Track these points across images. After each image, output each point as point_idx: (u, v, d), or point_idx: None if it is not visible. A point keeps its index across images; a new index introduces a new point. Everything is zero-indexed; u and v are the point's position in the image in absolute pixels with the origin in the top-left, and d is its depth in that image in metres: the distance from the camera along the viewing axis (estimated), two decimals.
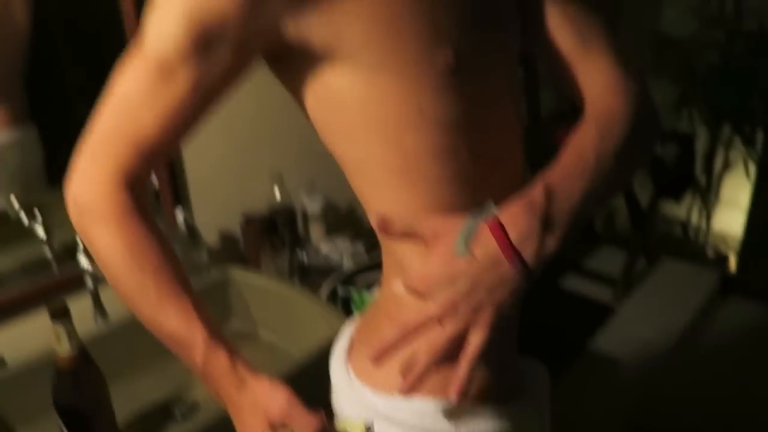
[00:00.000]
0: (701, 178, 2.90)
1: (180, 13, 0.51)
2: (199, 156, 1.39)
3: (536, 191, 0.57)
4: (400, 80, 0.55)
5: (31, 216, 1.27)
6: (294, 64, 0.58)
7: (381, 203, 0.62)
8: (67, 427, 0.86)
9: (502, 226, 0.56)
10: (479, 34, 0.58)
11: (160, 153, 0.59)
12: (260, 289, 1.25)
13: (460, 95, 0.58)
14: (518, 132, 0.68)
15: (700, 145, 2.76)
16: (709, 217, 2.97)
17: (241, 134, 1.45)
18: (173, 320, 0.59)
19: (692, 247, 3.02)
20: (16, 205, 1.26)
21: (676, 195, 2.27)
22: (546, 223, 0.56)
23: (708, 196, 2.93)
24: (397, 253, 0.63)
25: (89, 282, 1.19)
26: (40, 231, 1.27)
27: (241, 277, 1.28)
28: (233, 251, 1.45)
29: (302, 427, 0.57)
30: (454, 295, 0.55)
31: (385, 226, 0.60)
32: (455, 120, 0.58)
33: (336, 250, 1.46)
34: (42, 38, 1.25)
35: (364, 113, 0.57)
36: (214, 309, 1.24)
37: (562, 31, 0.65)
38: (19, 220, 1.26)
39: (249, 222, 1.39)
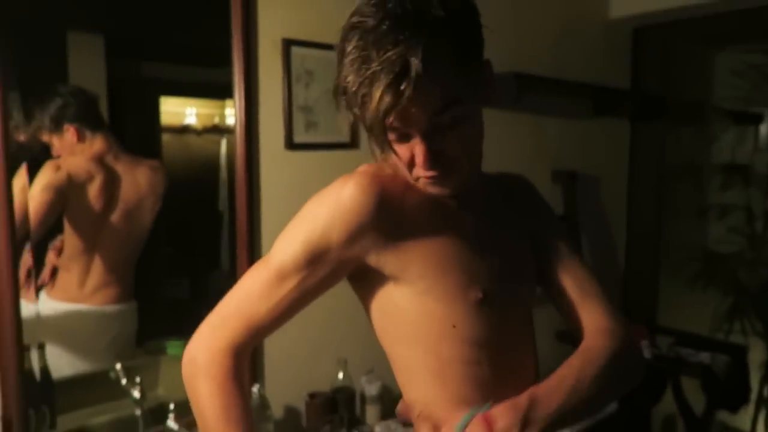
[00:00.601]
0: (765, 390, 2.83)
1: (302, 239, 0.77)
2: (276, 339, 1.61)
3: (523, 398, 0.74)
4: (442, 305, 0.77)
5: (131, 381, 1.47)
6: (368, 281, 0.81)
7: (416, 393, 0.82)
8: None
9: (489, 418, 0.72)
10: (502, 280, 0.81)
11: (265, 334, 0.80)
12: None
13: (485, 321, 0.79)
14: (532, 350, 0.88)
15: (757, 355, 2.75)
16: None
17: (314, 323, 1.68)
18: None
19: None
20: (119, 367, 1.47)
21: (732, 407, 2.25)
22: (525, 421, 0.72)
23: None
24: None
25: None
26: (136, 393, 1.46)
27: None
28: (296, 425, 1.59)
29: None
30: None
31: (407, 410, 0.78)
32: (480, 338, 0.79)
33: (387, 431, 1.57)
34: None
35: (414, 324, 0.79)
36: None
37: (566, 283, 0.88)
38: (114, 382, 1.46)
39: (313, 399, 1.54)
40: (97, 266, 1.47)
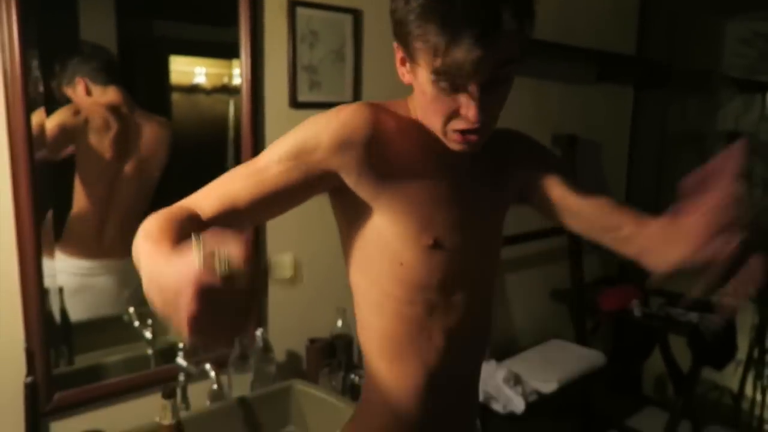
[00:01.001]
0: (755, 351, 2.92)
1: (294, 137, 0.79)
2: (280, 288, 1.71)
3: None
4: (395, 242, 0.83)
5: (143, 323, 1.57)
6: (345, 204, 0.85)
7: (359, 321, 0.91)
8: None
9: None
10: (461, 231, 0.86)
11: (237, 214, 0.76)
12: (316, 400, 1.47)
13: (431, 266, 0.84)
14: (483, 300, 0.94)
15: (748, 318, 2.83)
16: (764, 390, 2.92)
17: (316, 274, 1.77)
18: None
19: (747, 419, 2.94)
20: (132, 311, 1.58)
21: (717, 364, 2.34)
22: None
23: (762, 369, 2.91)
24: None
25: (181, 378, 1.46)
26: (148, 334, 1.57)
27: (301, 389, 1.51)
28: (297, 368, 1.70)
29: (232, 247, 0.51)
30: None
31: None
32: (422, 281, 0.84)
33: None
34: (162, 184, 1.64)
35: (368, 254, 0.85)
36: (275, 413, 1.48)
37: (593, 201, 0.93)
38: (128, 324, 1.56)
39: (313, 344, 1.65)
40: (112, 220, 1.55)
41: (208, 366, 1.43)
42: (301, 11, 1.62)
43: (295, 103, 1.67)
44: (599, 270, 2.86)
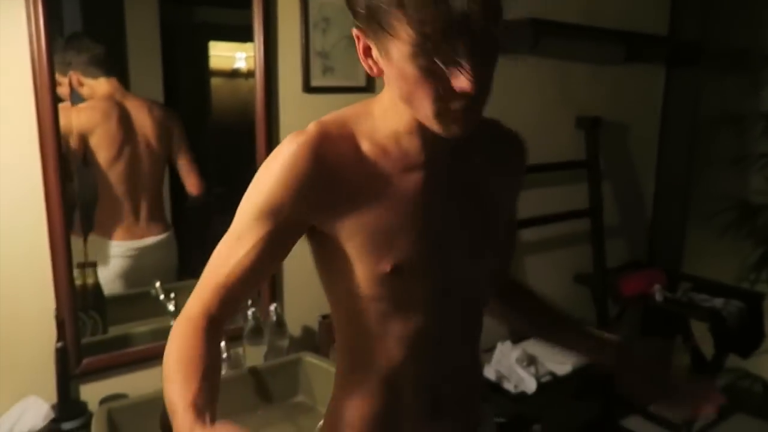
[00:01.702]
0: None
1: (253, 201, 0.79)
2: (294, 265, 1.78)
3: None
4: (358, 267, 0.81)
5: (167, 297, 1.68)
6: (316, 238, 0.84)
7: (337, 340, 0.92)
8: None
9: None
10: (431, 253, 0.82)
11: (237, 297, 0.81)
12: (324, 372, 1.54)
13: (391, 292, 0.82)
14: (463, 323, 0.91)
15: None
16: None
17: None
18: (175, 394, 0.71)
19: None
20: (158, 286, 1.68)
21: (743, 352, 2.30)
22: None
23: None
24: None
25: None
26: (171, 306, 1.67)
27: (310, 361, 1.59)
28: (310, 342, 1.78)
29: None
30: None
31: None
32: (387, 297, 0.82)
33: None
34: (200, 167, 1.73)
35: (340, 273, 0.83)
36: (285, 384, 1.56)
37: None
38: (157, 300, 1.67)
39: (325, 319, 1.72)
40: (133, 201, 1.65)
41: None
42: None
43: (309, 88, 1.72)
44: (627, 254, 2.83)
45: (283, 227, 0.79)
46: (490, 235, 0.90)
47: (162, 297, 1.68)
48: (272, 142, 1.69)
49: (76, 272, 1.49)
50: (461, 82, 0.68)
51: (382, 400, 0.88)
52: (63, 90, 1.45)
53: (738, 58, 3.06)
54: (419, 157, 0.81)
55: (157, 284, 1.69)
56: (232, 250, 0.80)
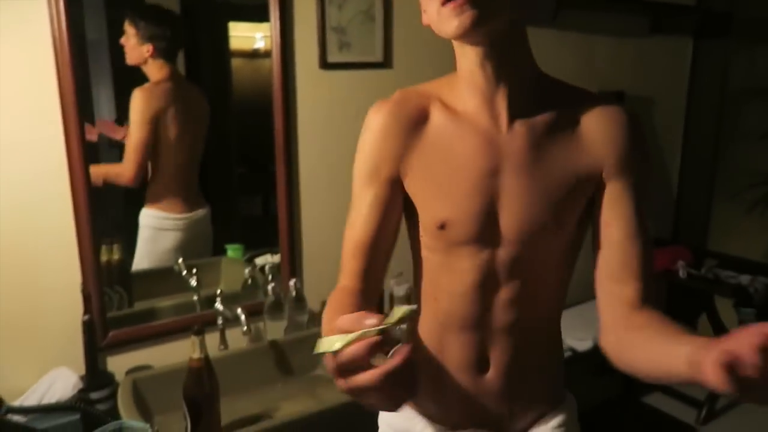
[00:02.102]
0: None
1: (356, 174, 0.92)
2: (313, 239, 1.80)
3: None
4: (423, 218, 0.90)
5: (190, 272, 1.72)
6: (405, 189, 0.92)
7: (414, 274, 0.98)
8: (189, 412, 1.21)
9: None
10: (480, 219, 0.86)
11: (369, 256, 0.89)
12: None
13: (442, 241, 0.89)
14: (505, 294, 0.90)
15: None
16: None
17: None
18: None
19: None
20: (181, 262, 1.72)
21: None
22: None
23: None
24: None
25: (219, 321, 1.59)
26: (193, 282, 1.71)
27: None
28: None
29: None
30: None
31: None
32: (439, 250, 0.90)
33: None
34: (218, 146, 1.76)
35: (412, 224, 0.93)
36: (305, 358, 1.59)
37: (611, 240, 0.87)
38: (181, 276, 1.71)
39: None
40: (179, 176, 1.72)
41: (239, 311, 1.55)
42: None
43: (326, 64, 1.72)
44: (651, 231, 2.78)
45: (385, 186, 0.89)
46: (549, 212, 0.86)
47: (185, 273, 1.72)
48: (290, 119, 1.70)
49: (102, 248, 1.53)
50: None
51: (437, 346, 0.94)
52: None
53: None
54: (483, 123, 0.85)
55: (180, 260, 1.72)
56: (352, 218, 0.91)
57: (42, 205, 1.42)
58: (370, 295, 0.89)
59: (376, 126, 0.88)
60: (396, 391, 0.59)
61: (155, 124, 1.63)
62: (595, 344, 2.04)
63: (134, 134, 1.60)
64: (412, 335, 0.97)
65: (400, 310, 0.59)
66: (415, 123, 0.87)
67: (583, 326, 2.12)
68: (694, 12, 2.62)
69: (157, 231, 1.71)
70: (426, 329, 0.96)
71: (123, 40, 1.55)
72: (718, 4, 2.62)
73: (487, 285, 0.89)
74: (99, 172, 1.54)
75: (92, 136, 1.50)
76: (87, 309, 1.46)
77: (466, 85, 0.86)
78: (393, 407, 0.62)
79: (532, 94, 0.85)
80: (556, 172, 0.85)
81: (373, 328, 0.57)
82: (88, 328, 1.45)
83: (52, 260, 1.44)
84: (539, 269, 0.90)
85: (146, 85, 1.59)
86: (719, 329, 2.35)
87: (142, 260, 1.66)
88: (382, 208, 0.89)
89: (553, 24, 2.09)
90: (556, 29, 2.17)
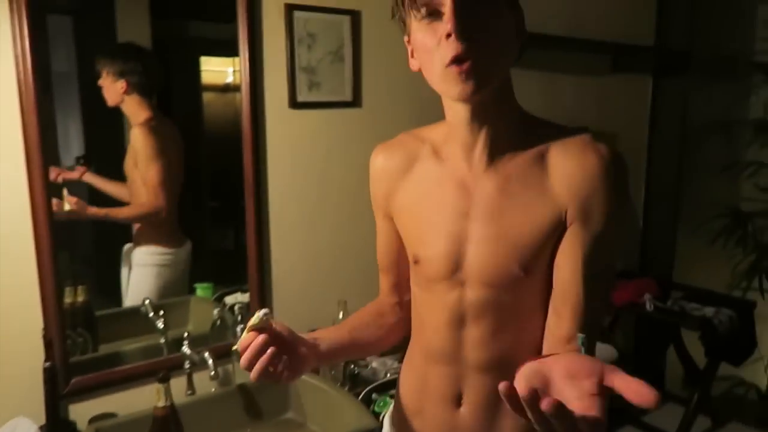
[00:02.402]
0: None
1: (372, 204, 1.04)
2: (284, 281, 1.79)
3: None
4: (408, 252, 0.99)
5: (156, 314, 1.68)
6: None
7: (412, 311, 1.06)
8: None
9: None
10: (440, 253, 0.92)
11: (393, 272, 1.06)
12: (315, 388, 1.54)
13: (419, 276, 0.97)
14: (483, 327, 0.93)
15: None
16: None
17: (318, 269, 1.85)
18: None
19: None
20: (148, 303, 1.68)
21: (734, 360, 2.30)
22: None
23: None
24: None
25: (187, 365, 1.55)
26: (160, 324, 1.67)
27: (301, 377, 1.58)
28: None
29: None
30: None
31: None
32: (418, 284, 0.99)
33: (384, 366, 1.73)
34: (191, 180, 1.75)
35: (403, 256, 1.03)
36: (275, 401, 1.56)
37: (558, 275, 0.87)
38: (148, 317, 1.67)
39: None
40: (168, 211, 1.71)
41: (206, 354, 1.52)
42: (298, 14, 1.69)
43: (295, 104, 1.74)
44: (618, 264, 2.83)
45: (386, 219, 1.02)
46: (514, 259, 0.87)
47: (152, 314, 1.68)
48: (259, 158, 1.70)
49: (66, 290, 1.49)
50: (447, 24, 0.76)
51: (422, 376, 1.00)
52: None
53: (726, 66, 3.10)
54: (460, 169, 0.90)
55: (147, 301, 1.69)
56: (376, 242, 1.07)
57: (2, 248, 1.38)
58: (404, 305, 1.07)
59: (373, 168, 1.00)
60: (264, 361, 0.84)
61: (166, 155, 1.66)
62: None
63: (153, 167, 1.64)
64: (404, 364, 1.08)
65: (255, 317, 0.86)
66: (405, 166, 0.96)
67: None
68: (653, 51, 2.72)
69: (152, 267, 1.71)
70: (413, 360, 1.03)
71: (100, 82, 1.56)
72: (675, 43, 2.73)
73: (457, 322, 0.93)
74: (123, 213, 1.64)
75: (55, 176, 1.48)
76: (48, 355, 1.41)
77: (451, 133, 0.90)
78: (270, 376, 0.86)
79: (510, 138, 0.88)
80: (524, 218, 0.86)
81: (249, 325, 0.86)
82: (50, 376, 1.40)
83: (12, 304, 1.40)
84: (510, 311, 0.90)
85: (140, 122, 1.62)
86: (687, 361, 2.39)
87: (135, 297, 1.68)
88: (392, 235, 1.02)
89: (518, 63, 2.15)
90: (522, 68, 2.22)
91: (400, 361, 1.77)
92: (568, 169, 0.85)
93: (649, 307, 2.26)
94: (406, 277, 1.04)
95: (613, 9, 2.56)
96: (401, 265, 1.04)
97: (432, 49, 0.79)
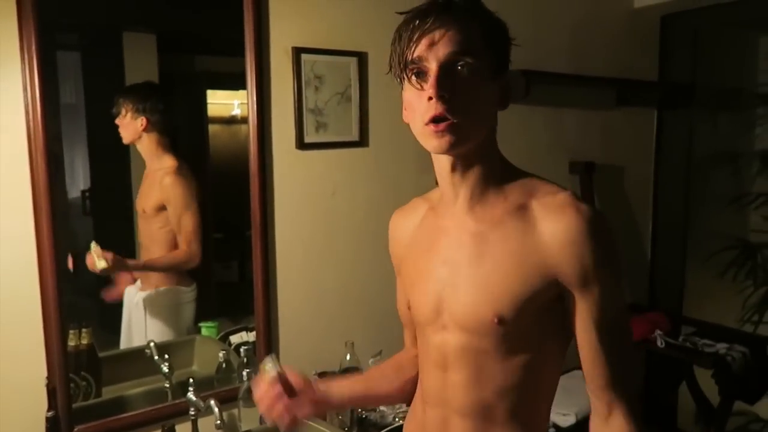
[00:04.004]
0: None
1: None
2: (290, 323, 1.77)
3: None
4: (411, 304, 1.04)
5: (161, 357, 1.65)
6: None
7: None
8: None
9: None
10: (441, 307, 0.96)
11: (410, 325, 1.11)
12: None
13: (414, 323, 1.05)
14: (471, 381, 0.95)
15: None
16: None
17: (325, 310, 1.83)
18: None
19: None
20: (153, 345, 1.66)
21: (748, 398, 2.25)
22: None
23: None
24: None
25: (192, 412, 1.53)
26: (165, 368, 1.64)
27: (308, 422, 1.55)
28: None
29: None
30: None
31: None
32: (415, 331, 1.07)
33: (392, 410, 1.70)
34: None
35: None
36: None
37: (582, 347, 0.91)
38: (151, 359, 1.65)
39: (321, 377, 1.69)
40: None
41: (212, 402, 1.49)
42: (305, 57, 1.70)
43: (302, 145, 1.74)
44: (627, 298, 2.79)
45: (399, 273, 1.10)
46: (489, 306, 0.89)
47: (156, 358, 1.66)
48: (266, 199, 1.69)
49: (70, 334, 1.48)
50: (429, 89, 0.83)
51: (421, 415, 1.05)
52: None
53: (729, 98, 3.10)
54: (446, 218, 0.96)
55: (152, 344, 1.67)
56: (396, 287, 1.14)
57: (7, 294, 1.36)
58: (407, 355, 1.15)
59: (390, 230, 1.10)
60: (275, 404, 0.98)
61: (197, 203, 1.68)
62: (579, 419, 2.01)
63: (187, 216, 1.67)
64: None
65: (263, 366, 0.99)
66: (413, 227, 1.04)
67: (565, 400, 2.08)
68: (657, 86, 2.73)
69: (159, 308, 1.71)
70: (416, 403, 1.09)
71: (119, 120, 1.59)
72: (679, 76, 2.74)
73: (442, 366, 0.97)
74: (161, 262, 1.70)
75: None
76: (51, 405, 1.39)
77: (439, 183, 0.96)
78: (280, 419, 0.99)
79: (491, 188, 0.92)
80: (502, 268, 0.89)
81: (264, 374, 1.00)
82: (52, 425, 1.38)
83: (16, 352, 1.38)
84: (490, 358, 0.92)
85: (169, 169, 1.66)
86: (699, 398, 2.34)
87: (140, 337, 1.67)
88: (404, 290, 1.07)
89: (525, 100, 2.16)
90: (528, 104, 2.23)
91: (409, 404, 1.75)
92: (555, 230, 0.86)
93: (660, 343, 2.23)
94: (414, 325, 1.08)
95: (617, 46, 2.58)
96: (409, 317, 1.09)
97: (416, 107, 0.86)
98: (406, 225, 1.06)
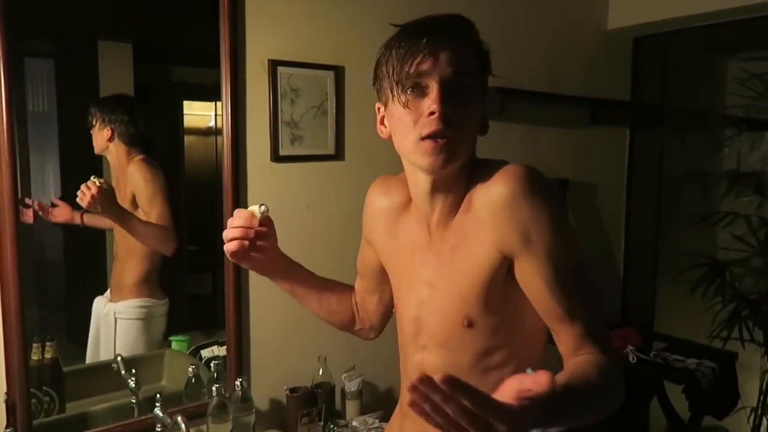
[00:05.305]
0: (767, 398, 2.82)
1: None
2: (262, 337, 1.74)
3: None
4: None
5: (129, 372, 1.61)
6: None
7: None
8: None
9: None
10: (410, 289, 1.01)
11: (364, 279, 1.16)
12: None
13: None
14: (441, 357, 0.97)
15: (756, 362, 2.76)
16: None
17: (298, 325, 1.80)
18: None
19: None
20: (120, 360, 1.62)
21: (717, 413, 2.28)
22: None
23: None
24: None
25: (158, 428, 1.49)
26: (132, 383, 1.60)
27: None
28: (277, 417, 1.71)
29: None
30: None
31: None
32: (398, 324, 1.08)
33: (365, 426, 1.68)
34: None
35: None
36: None
37: (539, 309, 0.88)
38: (118, 374, 1.61)
39: (293, 393, 1.66)
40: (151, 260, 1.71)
41: (179, 418, 1.45)
42: (282, 70, 1.69)
43: (277, 157, 1.72)
44: (581, 272, 2.81)
45: (369, 242, 1.12)
46: (458, 303, 0.92)
47: (123, 372, 1.62)
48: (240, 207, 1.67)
49: (33, 347, 1.43)
50: (432, 105, 0.84)
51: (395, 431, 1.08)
52: None
53: (699, 119, 3.18)
54: (421, 234, 0.98)
55: (119, 358, 1.63)
56: (359, 251, 1.18)
57: None
58: (361, 306, 1.20)
59: (367, 200, 1.11)
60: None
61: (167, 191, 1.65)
62: None
63: (158, 201, 1.65)
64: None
65: (255, 208, 0.99)
66: (389, 210, 1.04)
67: None
68: (629, 106, 2.79)
69: (129, 321, 1.67)
70: (397, 412, 1.11)
71: (93, 130, 1.59)
72: (651, 97, 2.80)
73: (424, 357, 1.00)
74: (141, 223, 1.64)
75: (28, 218, 1.44)
76: (10, 421, 1.34)
77: (414, 200, 0.99)
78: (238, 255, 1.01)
79: (460, 201, 0.93)
80: (466, 268, 0.90)
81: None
82: None
83: None
84: (470, 373, 0.91)
85: (133, 159, 1.64)
86: (670, 414, 2.36)
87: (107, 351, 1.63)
88: (370, 257, 1.13)
89: (500, 117, 2.18)
90: (504, 121, 2.26)
91: (381, 419, 1.73)
92: (485, 202, 0.87)
93: (632, 359, 2.24)
94: (371, 288, 1.15)
95: (591, 66, 2.63)
96: (371, 278, 1.14)
97: (408, 122, 0.86)
98: (383, 204, 1.06)
